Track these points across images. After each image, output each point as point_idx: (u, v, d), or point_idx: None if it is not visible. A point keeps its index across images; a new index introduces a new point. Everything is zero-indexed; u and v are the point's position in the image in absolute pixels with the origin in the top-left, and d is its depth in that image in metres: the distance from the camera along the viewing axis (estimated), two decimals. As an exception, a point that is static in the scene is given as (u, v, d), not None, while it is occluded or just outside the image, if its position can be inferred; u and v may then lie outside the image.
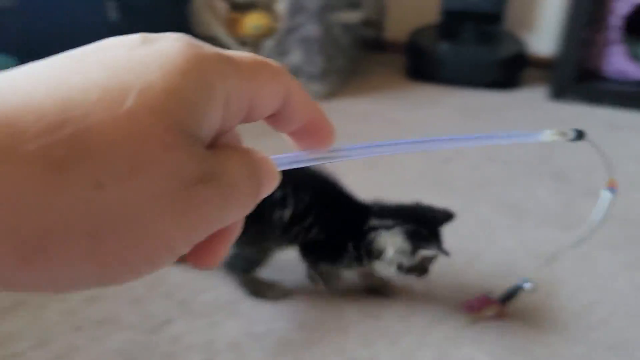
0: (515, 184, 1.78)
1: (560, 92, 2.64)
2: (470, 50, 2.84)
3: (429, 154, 1.98)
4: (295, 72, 2.47)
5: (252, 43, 2.47)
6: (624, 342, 1.10)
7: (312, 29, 2.37)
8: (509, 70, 2.87)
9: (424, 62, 2.92)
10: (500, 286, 1.26)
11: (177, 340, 1.05)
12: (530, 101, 2.65)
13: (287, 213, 1.00)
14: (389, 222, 1.02)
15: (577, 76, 2.63)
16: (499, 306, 1.08)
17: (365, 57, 3.25)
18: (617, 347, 1.09)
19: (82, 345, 1.03)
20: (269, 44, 2.45)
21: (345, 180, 1.77)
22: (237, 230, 0.28)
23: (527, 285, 1.05)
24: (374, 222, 1.03)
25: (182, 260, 0.26)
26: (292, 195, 1.00)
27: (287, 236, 1.05)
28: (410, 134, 2.16)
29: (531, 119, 2.41)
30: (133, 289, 1.19)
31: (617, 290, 1.26)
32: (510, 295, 1.08)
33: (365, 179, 1.76)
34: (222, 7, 2.46)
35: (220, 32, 2.48)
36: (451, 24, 2.91)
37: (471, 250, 1.38)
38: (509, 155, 2.00)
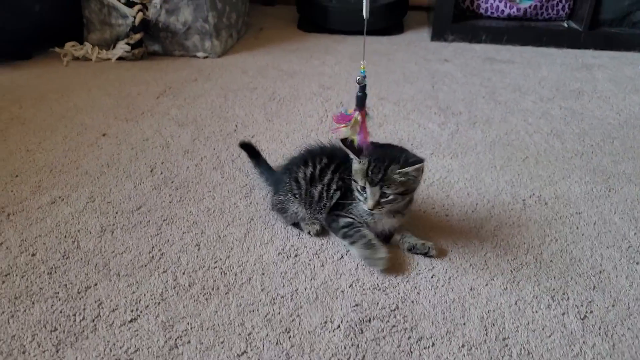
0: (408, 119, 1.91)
1: (441, 32, 2.81)
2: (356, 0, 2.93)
3: (325, 101, 2.05)
4: (187, 30, 2.42)
5: (141, 2, 2.36)
6: (515, 247, 1.26)
7: (197, -16, 2.31)
8: (394, 16, 2.99)
9: (314, 13, 2.96)
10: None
11: (101, 304, 1.06)
12: (415, 43, 2.80)
13: (308, 172, 1.27)
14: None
15: (454, 16, 2.80)
16: (359, 112, 1.14)
17: (257, 11, 3.23)
18: (509, 252, 1.25)
19: (-1, 323, 1.01)
20: (157, 2, 2.36)
21: (250, 130, 1.79)
22: None
23: (360, 80, 1.14)
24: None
25: None
26: (311, 159, 1.28)
27: (312, 194, 1.27)
28: (308, 82, 2.22)
29: (416, 58, 2.55)
30: (47, 261, 1.17)
31: (504, 204, 1.43)
32: (361, 99, 1.15)
33: (268, 129, 1.80)
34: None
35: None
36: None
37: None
38: (399, 96, 2.12)
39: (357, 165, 1.15)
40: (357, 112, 1.13)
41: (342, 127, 1.14)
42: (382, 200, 1.13)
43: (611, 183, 1.52)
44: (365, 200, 1.15)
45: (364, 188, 1.14)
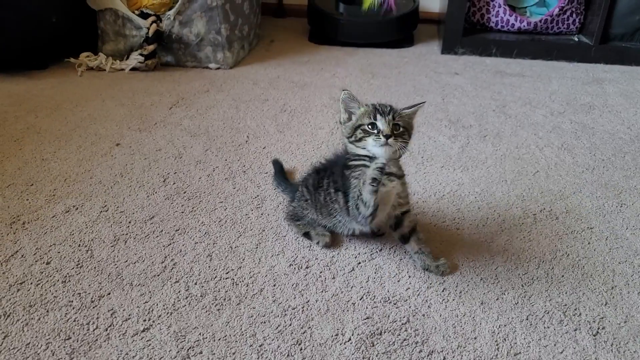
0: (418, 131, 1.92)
1: (451, 45, 2.82)
2: (367, 11, 2.95)
3: (336, 113, 2.06)
4: (199, 41, 2.44)
5: (154, 14, 2.40)
6: (526, 261, 1.26)
7: (211, -3, 2.34)
8: (404, 28, 3.01)
9: (325, 25, 2.99)
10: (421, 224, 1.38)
11: (114, 313, 1.07)
12: (425, 56, 2.81)
13: (316, 179, 1.30)
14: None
15: (465, 29, 2.81)
16: None
17: (268, 23, 3.26)
18: (520, 267, 1.25)
19: (13, 331, 1.02)
20: (170, 14, 2.39)
21: (261, 142, 1.81)
22: None
23: None
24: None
25: None
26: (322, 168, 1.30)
27: (319, 199, 1.28)
28: (319, 94, 2.23)
29: (426, 71, 2.56)
30: (61, 269, 1.18)
31: (513, 218, 1.43)
32: None
33: (279, 140, 1.82)
34: (113, -22, 2.36)
35: (119, 4, 2.38)
36: (347, -15, 2.99)
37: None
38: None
39: (361, 109, 1.16)
40: None
41: None
42: (395, 132, 1.12)
43: (623, 198, 1.52)
44: (377, 135, 1.11)
45: (372, 124, 1.12)
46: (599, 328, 1.06)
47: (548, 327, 1.06)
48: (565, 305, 1.12)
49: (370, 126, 1.13)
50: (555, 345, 1.02)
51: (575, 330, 1.06)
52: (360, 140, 1.14)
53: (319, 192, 1.27)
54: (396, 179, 1.18)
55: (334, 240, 1.30)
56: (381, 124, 1.12)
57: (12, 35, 2.24)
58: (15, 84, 2.25)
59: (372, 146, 1.13)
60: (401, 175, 1.20)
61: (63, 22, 2.41)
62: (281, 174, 1.54)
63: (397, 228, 1.24)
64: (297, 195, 1.36)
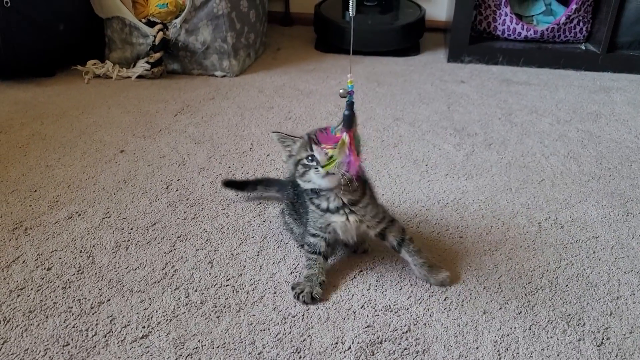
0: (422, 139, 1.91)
1: (457, 53, 2.81)
2: (374, 20, 2.95)
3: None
4: (205, 49, 2.46)
5: (161, 22, 2.41)
6: (530, 270, 1.25)
7: (220, 6, 2.35)
8: (410, 37, 3.01)
9: (331, 34, 2.99)
10: (416, 234, 1.38)
11: (114, 319, 1.07)
12: (431, 64, 2.80)
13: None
14: None
15: (471, 38, 2.81)
16: (347, 133, 1.01)
17: (274, 31, 3.28)
18: (524, 276, 1.23)
19: (12, 337, 1.02)
20: (177, 22, 2.41)
21: (265, 149, 1.80)
22: None
23: (344, 94, 1.03)
24: None
25: None
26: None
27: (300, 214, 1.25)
28: (324, 102, 2.23)
29: (432, 79, 2.55)
30: (62, 275, 1.18)
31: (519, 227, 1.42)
32: (348, 118, 1.01)
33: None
34: (121, -13, 2.38)
35: (126, 12, 2.40)
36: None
37: (386, 204, 1.48)
38: (415, 116, 2.13)
39: (297, 143, 1.10)
40: (344, 134, 1.01)
41: (329, 148, 1.03)
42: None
43: (629, 207, 1.50)
44: (317, 165, 1.05)
45: (311, 156, 1.06)
46: (603, 338, 1.05)
47: (551, 337, 1.05)
48: (569, 315, 1.11)
49: (309, 158, 1.07)
50: (558, 355, 1.01)
51: (579, 340, 1.04)
52: (303, 174, 1.09)
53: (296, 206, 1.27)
54: (350, 211, 1.12)
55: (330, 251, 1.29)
56: (318, 153, 1.05)
57: (20, 43, 2.26)
58: (22, 91, 2.27)
59: (316, 179, 1.07)
60: (356, 200, 1.13)
61: (70, 30, 2.43)
62: (267, 180, 1.50)
63: (384, 240, 1.20)
64: (282, 211, 1.35)
